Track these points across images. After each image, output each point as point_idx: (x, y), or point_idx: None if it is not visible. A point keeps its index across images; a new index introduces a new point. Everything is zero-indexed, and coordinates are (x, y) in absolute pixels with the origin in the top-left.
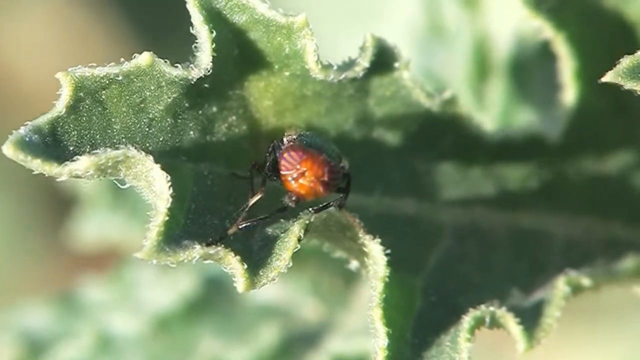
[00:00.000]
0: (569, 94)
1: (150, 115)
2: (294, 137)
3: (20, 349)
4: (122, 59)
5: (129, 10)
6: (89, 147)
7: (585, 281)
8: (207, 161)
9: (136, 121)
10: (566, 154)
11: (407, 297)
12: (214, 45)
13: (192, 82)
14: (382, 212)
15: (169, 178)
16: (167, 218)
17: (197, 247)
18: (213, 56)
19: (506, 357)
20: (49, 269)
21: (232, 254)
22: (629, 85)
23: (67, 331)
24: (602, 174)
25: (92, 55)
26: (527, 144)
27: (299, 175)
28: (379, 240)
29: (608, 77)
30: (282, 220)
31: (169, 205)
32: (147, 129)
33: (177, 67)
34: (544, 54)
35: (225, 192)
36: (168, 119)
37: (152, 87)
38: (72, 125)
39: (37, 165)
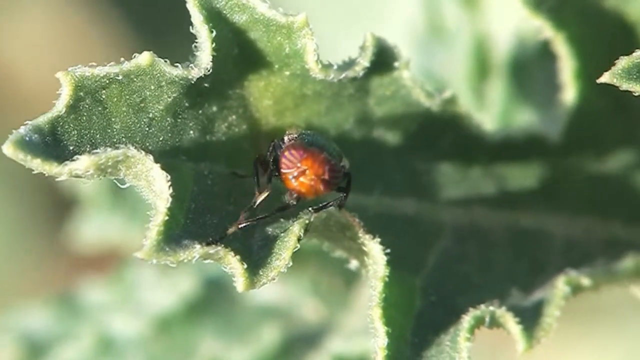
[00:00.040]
0: (569, 93)
1: (150, 115)
2: (295, 135)
3: (20, 351)
4: (122, 59)
5: (128, 10)
6: (89, 146)
7: (585, 281)
8: (207, 161)
9: (136, 121)
10: (566, 154)
11: (407, 296)
12: (214, 45)
13: (192, 82)
14: (382, 212)
15: (168, 177)
16: (167, 218)
17: (197, 246)
18: (213, 56)
19: (506, 356)
20: (49, 270)
21: (232, 253)
22: (625, 86)
23: (68, 333)
24: (602, 173)
25: (91, 55)
26: (527, 143)
27: (299, 173)
28: (379, 239)
29: (605, 78)
30: (282, 219)
31: (168, 204)
32: (147, 129)
33: (177, 66)
34: (544, 54)
35: (226, 192)
36: (168, 119)
37: (152, 87)
38: (72, 125)
39: (37, 164)
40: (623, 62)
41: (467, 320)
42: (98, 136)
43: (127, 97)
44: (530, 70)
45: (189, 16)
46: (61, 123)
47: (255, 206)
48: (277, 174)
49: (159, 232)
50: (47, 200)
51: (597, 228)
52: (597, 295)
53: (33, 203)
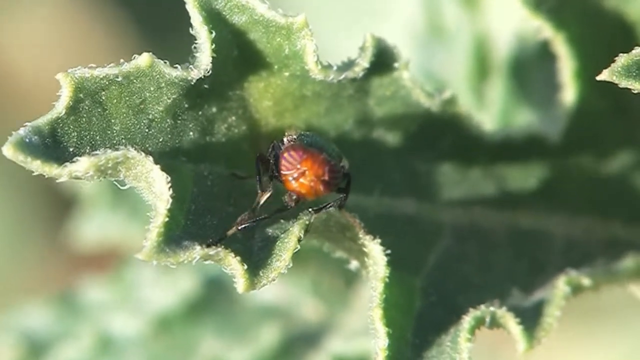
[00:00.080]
0: (569, 94)
1: (150, 116)
2: (294, 136)
3: (20, 350)
4: (121, 60)
5: (130, 9)
6: (88, 148)
7: (586, 281)
8: (207, 162)
9: (136, 122)
10: (566, 154)
11: (407, 297)
12: (213, 46)
13: (192, 83)
14: (382, 212)
15: (169, 179)
16: (167, 219)
17: (197, 247)
18: (212, 57)
19: (506, 356)
20: (49, 269)
21: (232, 254)
22: (624, 83)
23: (68, 331)
24: (602, 174)
25: (93, 54)
26: (526, 144)
27: (299, 174)
28: (379, 240)
29: (604, 76)
30: (282, 220)
31: (169, 206)
32: (146, 130)
33: (176, 68)
34: (544, 54)
35: (225, 193)
36: (168, 120)
37: (152, 88)
38: (72, 127)
39: (37, 166)
40: (622, 60)
41: (467, 320)
42: (98, 137)
43: (127, 98)
44: (530, 70)
45: (190, 15)
46: (61, 124)
47: (258, 207)
48: (276, 175)
49: (159, 233)
50: (48, 199)
51: (597, 228)
52: (598, 294)
53: (33, 202)
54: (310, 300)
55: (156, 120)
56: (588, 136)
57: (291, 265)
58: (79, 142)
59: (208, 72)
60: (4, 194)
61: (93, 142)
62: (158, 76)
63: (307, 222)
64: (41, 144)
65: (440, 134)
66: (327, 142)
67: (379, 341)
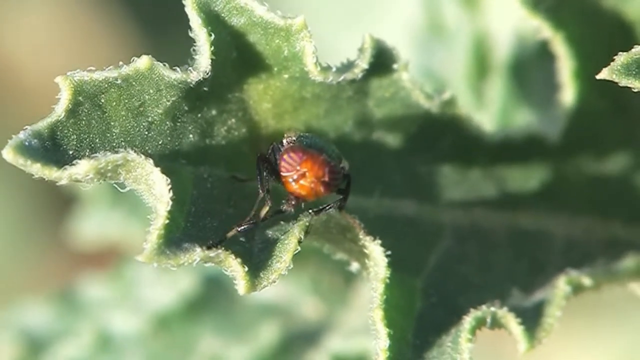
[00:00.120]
0: (568, 93)
1: (150, 119)
2: (294, 138)
3: (20, 347)
4: (120, 63)
5: (132, 7)
6: (88, 151)
7: (586, 281)
8: (206, 164)
9: (135, 125)
10: (566, 154)
11: (408, 297)
12: (212, 48)
13: (191, 85)
14: (382, 214)
15: (168, 181)
16: (167, 221)
17: (198, 249)
18: (212, 59)
19: (506, 356)
20: (49, 267)
21: (233, 256)
22: (624, 82)
23: (67, 329)
24: (601, 173)
25: (94, 52)
26: (526, 144)
27: (299, 176)
28: (379, 241)
29: (604, 74)
30: (282, 222)
31: (169, 208)
32: (146, 133)
33: (176, 70)
34: (543, 54)
35: (225, 195)
36: (167, 123)
37: (151, 91)
38: (71, 130)
39: (37, 169)
40: (622, 58)
41: (468, 321)
42: (97, 140)
43: (126, 101)
44: (529, 69)
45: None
46: (60, 128)
47: (259, 217)
48: (277, 176)
49: (160, 235)
50: (47, 197)
51: (597, 228)
52: (598, 293)
53: (33, 200)
54: (310, 299)
55: (156, 122)
56: (588, 136)
57: (292, 266)
58: (78, 145)
59: (207, 74)
60: (5, 193)
61: (93, 145)
62: (157, 79)
63: (307, 224)
64: (41, 147)
65: (440, 135)
66: (326, 144)
67: (380, 342)
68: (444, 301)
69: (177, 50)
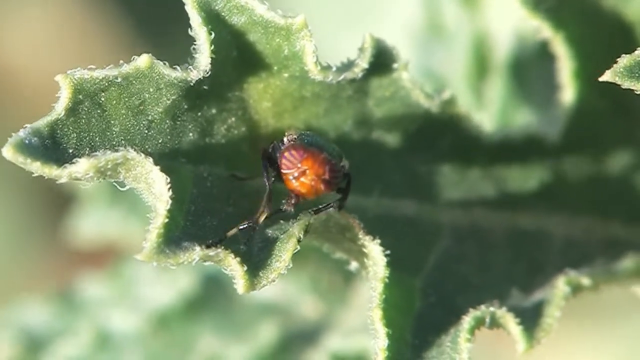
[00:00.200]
0: (568, 94)
1: (150, 117)
2: (295, 136)
3: (19, 346)
4: (121, 61)
5: (130, 8)
6: (88, 149)
7: (585, 281)
8: (206, 163)
9: (135, 123)
10: (565, 154)
11: (407, 297)
12: (212, 47)
13: (191, 84)
14: (382, 213)
15: (168, 180)
16: (166, 220)
17: (197, 248)
18: (212, 58)
19: (504, 356)
20: (48, 266)
21: (232, 255)
22: (626, 84)
23: (66, 328)
24: (601, 174)
25: (92, 53)
26: (526, 144)
27: (300, 174)
28: (379, 241)
29: (606, 76)
30: (281, 221)
31: (168, 207)
32: (146, 131)
33: (176, 69)
34: (543, 54)
35: (225, 194)
36: (167, 121)
37: (151, 89)
38: (71, 128)
39: (37, 167)
40: (625, 61)
41: (467, 321)
42: (97, 139)
43: (126, 99)
44: (529, 69)
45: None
46: (60, 126)
47: (258, 221)
48: (277, 175)
49: (159, 234)
50: (46, 196)
51: (597, 228)
52: (598, 294)
53: (32, 199)
54: (309, 298)
55: (155, 121)
56: (587, 136)
57: (291, 265)
58: (78, 144)
59: (207, 73)
60: (3, 192)
61: (92, 144)
62: (157, 77)
63: (306, 223)
64: (41, 145)
65: (440, 134)
66: (327, 142)
67: (379, 342)
68: (443, 301)
69: (176, 51)
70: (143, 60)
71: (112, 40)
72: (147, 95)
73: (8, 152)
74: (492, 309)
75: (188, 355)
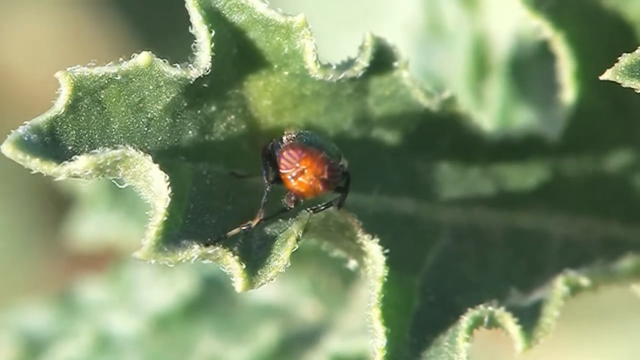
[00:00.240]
0: (568, 93)
1: (149, 115)
2: (294, 135)
3: (18, 349)
4: (120, 59)
5: (127, 10)
6: (87, 146)
7: (584, 281)
8: (205, 161)
9: (135, 121)
10: (565, 154)
11: (406, 296)
12: (212, 45)
13: (191, 82)
14: (381, 212)
15: (167, 178)
16: (165, 218)
17: (196, 246)
18: (212, 56)
19: (504, 357)
20: (47, 269)
21: (231, 253)
22: (627, 83)
23: (66, 331)
24: (601, 173)
25: (90, 55)
26: (526, 143)
27: (298, 173)
28: (378, 239)
29: (607, 75)
30: (280, 220)
31: (167, 205)
32: (145, 129)
33: (175, 66)
34: (543, 54)
35: (224, 192)
36: (167, 119)
37: (151, 87)
38: (70, 125)
39: (36, 164)
40: (625, 60)
41: (465, 320)
42: (97, 136)
43: (126, 97)
44: (529, 70)
45: (188, 17)
46: (60, 123)
47: (253, 226)
48: (276, 173)
49: (158, 232)
50: (45, 199)
51: (596, 228)
52: (596, 295)
53: (31, 202)
54: (309, 300)
55: (155, 119)
56: (587, 136)
57: (290, 264)
58: (77, 141)
59: (207, 71)
60: (3, 195)
61: (92, 141)
62: (157, 75)
63: (305, 222)
64: (40, 142)
65: (440, 133)
66: (326, 141)
67: (377, 340)
68: (442, 300)
69: (174, 54)
70: (143, 58)
71: (109, 41)
72: (146, 93)
73: (7, 149)
74: (490, 308)
75: (188, 357)
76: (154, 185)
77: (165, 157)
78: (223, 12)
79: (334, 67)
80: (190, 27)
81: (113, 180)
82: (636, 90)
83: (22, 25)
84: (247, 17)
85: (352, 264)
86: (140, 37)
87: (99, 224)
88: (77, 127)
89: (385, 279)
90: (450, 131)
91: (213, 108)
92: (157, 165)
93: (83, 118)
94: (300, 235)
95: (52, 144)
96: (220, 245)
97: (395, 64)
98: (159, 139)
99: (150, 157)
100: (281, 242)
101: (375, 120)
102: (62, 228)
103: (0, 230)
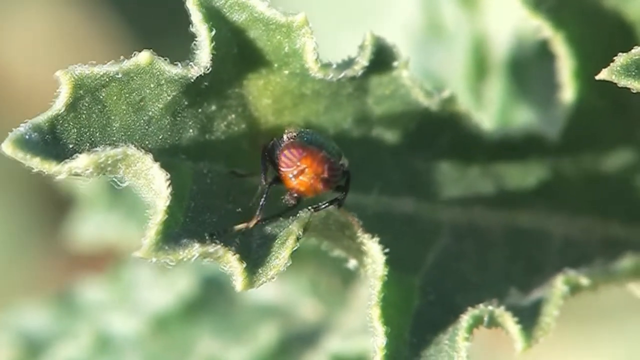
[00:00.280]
0: (568, 93)
1: (150, 114)
2: (294, 134)
3: (18, 350)
4: (121, 57)
5: (125, 9)
6: (88, 145)
7: (584, 280)
8: (206, 159)
9: (135, 119)
10: (565, 154)
11: (405, 295)
12: (213, 44)
13: (192, 81)
14: (381, 211)
15: (168, 176)
16: (166, 216)
17: (196, 245)
18: (212, 54)
19: (503, 356)
20: (47, 269)
21: (231, 252)
22: (623, 82)
23: (66, 331)
24: (600, 173)
25: (88, 55)
26: (525, 143)
27: (298, 172)
28: (378, 239)
29: (603, 75)
30: (280, 219)
31: (168, 203)
32: (146, 127)
33: (176, 65)
34: (543, 54)
35: (224, 191)
36: (167, 118)
37: (152, 86)
38: (71, 124)
39: (36, 163)
40: (621, 59)
41: (465, 319)
42: (97, 135)
43: (127, 95)
44: (528, 69)
45: (186, 15)
46: (60, 122)
47: (250, 227)
48: (276, 172)
49: (158, 230)
50: (45, 199)
51: (596, 228)
52: (596, 295)
53: (31, 202)
54: (308, 300)
55: (155, 117)
56: (587, 135)
57: (290, 263)
58: (78, 139)
59: (208, 69)
60: (2, 195)
61: (92, 139)
62: (158, 74)
63: (306, 221)
64: (41, 141)
65: (439, 132)
66: (326, 140)
67: (377, 340)
68: (442, 299)
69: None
70: (143, 57)
71: (106, 40)
72: (147, 92)
73: (8, 148)
74: (490, 307)
75: (187, 358)
76: (155, 184)
77: (166, 156)
78: (223, 10)
79: (334, 66)
80: (188, 26)
81: (113, 180)
82: (633, 90)
83: (21, 25)
84: (248, 16)
85: (352, 263)
86: (138, 36)
87: (99, 224)
88: (78, 125)
89: (385, 278)
90: (450, 130)
91: (213, 107)
92: (157, 163)
93: (84, 117)
94: (301, 234)
95: (52, 142)
96: (221, 244)
97: (395, 63)
98: (160, 137)
99: (150, 156)
100: (281, 241)
101: (375, 120)
102: (62, 228)
103: (0, 230)
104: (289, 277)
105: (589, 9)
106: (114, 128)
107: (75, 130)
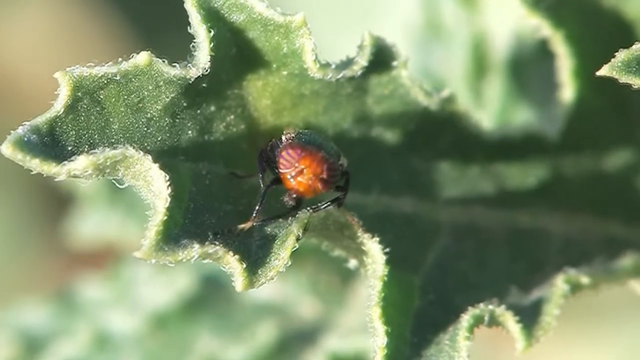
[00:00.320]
0: (567, 92)
1: (149, 115)
2: (293, 135)
3: (17, 347)
4: (120, 59)
5: (125, 9)
6: (87, 146)
7: (584, 279)
8: (205, 160)
9: (134, 121)
10: (564, 153)
11: (406, 295)
12: (212, 45)
13: (190, 82)
14: (381, 211)
15: (167, 177)
16: (165, 217)
17: (196, 246)
18: (211, 55)
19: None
20: (47, 267)
21: (231, 253)
22: (624, 78)
23: (65, 329)
24: (600, 172)
25: (88, 55)
26: (525, 142)
27: (297, 173)
28: (378, 239)
29: (604, 71)
30: (280, 219)
31: (167, 204)
32: (145, 129)
33: (175, 66)
34: (542, 53)
35: (223, 192)
36: (166, 119)
37: (150, 87)
38: (70, 125)
39: (36, 164)
40: (622, 55)
41: (466, 319)
42: (96, 136)
43: (125, 97)
44: (528, 68)
45: (187, 15)
46: (59, 123)
47: (246, 228)
48: (275, 173)
49: (158, 232)
50: (45, 197)
51: (596, 227)
52: (597, 294)
53: (31, 201)
54: (307, 298)
55: (154, 119)
56: (587, 135)
57: (290, 263)
58: (77, 141)
59: (206, 70)
60: (2, 193)
61: (91, 141)
62: (156, 75)
63: (305, 221)
64: (40, 142)
65: (439, 132)
66: (325, 140)
67: (378, 340)
68: (442, 299)
69: (174, 54)
70: (142, 58)
71: (110, 40)
72: (146, 93)
73: (7, 149)
74: (491, 307)
75: (186, 356)
76: (154, 185)
77: (165, 157)
78: (222, 11)
79: (333, 66)
80: (188, 26)
81: (112, 180)
82: (634, 86)
83: (22, 24)
84: (246, 17)
85: (352, 263)
86: (138, 35)
87: (99, 222)
88: (77, 127)
89: (386, 278)
90: (450, 130)
91: (212, 108)
92: (156, 165)
93: (83, 118)
94: (300, 234)
95: (51, 144)
96: (220, 245)
97: (394, 63)
98: (159, 138)
99: (150, 157)
100: (281, 241)
101: (375, 120)
102: (62, 226)
103: (0, 228)
104: (288, 276)
105: (588, 8)
106: (113, 129)
107: (74, 132)
